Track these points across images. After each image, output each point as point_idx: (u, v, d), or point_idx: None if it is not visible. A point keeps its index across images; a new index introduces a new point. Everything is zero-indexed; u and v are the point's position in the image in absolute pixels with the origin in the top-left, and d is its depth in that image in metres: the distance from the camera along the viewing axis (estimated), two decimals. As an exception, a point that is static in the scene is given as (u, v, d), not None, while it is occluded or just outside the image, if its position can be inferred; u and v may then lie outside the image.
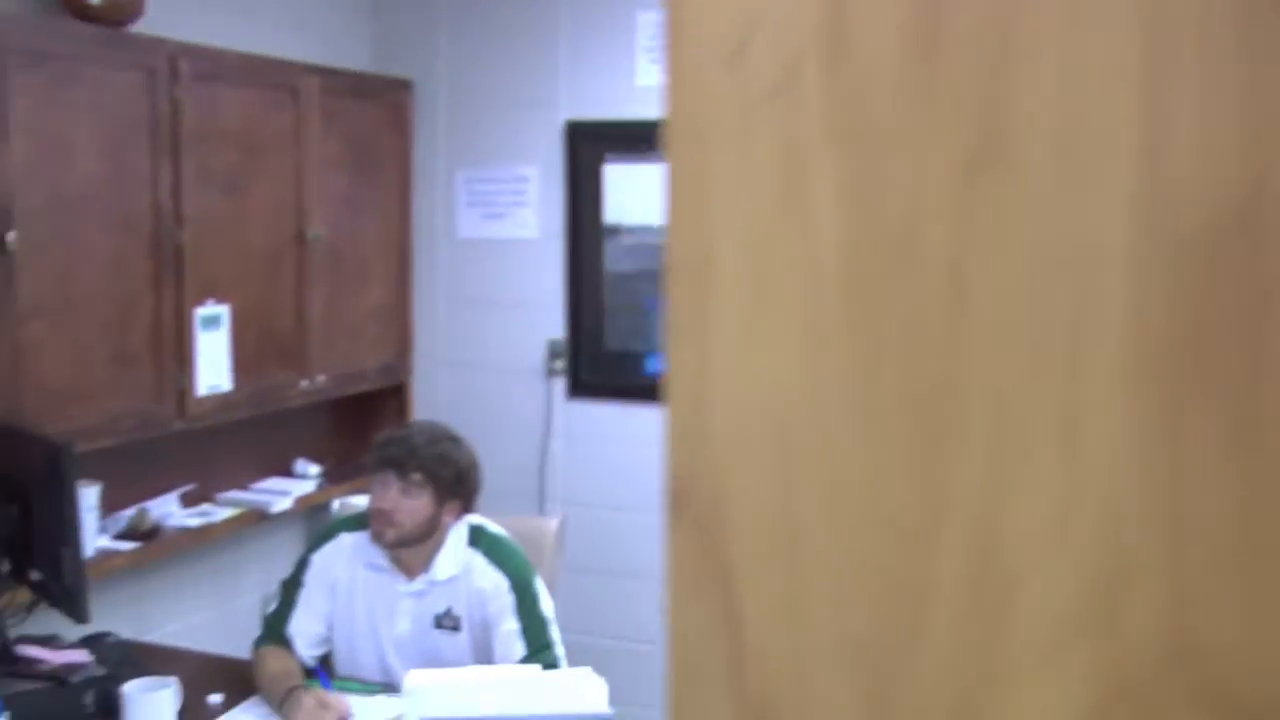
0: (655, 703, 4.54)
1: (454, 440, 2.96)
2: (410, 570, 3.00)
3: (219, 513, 3.85)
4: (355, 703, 2.87)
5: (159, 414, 3.46)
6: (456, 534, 3.01)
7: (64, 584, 2.64)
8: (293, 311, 3.98)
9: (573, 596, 4.52)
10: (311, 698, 2.66)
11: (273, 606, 3.06)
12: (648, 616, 4.51)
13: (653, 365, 4.50)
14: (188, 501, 3.83)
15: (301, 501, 4.10)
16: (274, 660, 2.92)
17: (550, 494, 4.59)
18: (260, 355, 3.85)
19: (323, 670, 2.75)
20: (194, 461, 3.90)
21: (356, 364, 4.32)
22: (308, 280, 4.02)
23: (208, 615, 3.94)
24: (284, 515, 4.02)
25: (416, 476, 2.87)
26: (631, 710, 4.63)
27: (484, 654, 3.01)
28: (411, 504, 2.89)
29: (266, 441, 4.23)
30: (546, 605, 3.02)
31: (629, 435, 4.49)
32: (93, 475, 3.40)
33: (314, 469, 4.29)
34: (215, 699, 2.88)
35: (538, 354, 4.58)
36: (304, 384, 4.02)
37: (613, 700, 4.67)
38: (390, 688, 2.99)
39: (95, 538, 3.47)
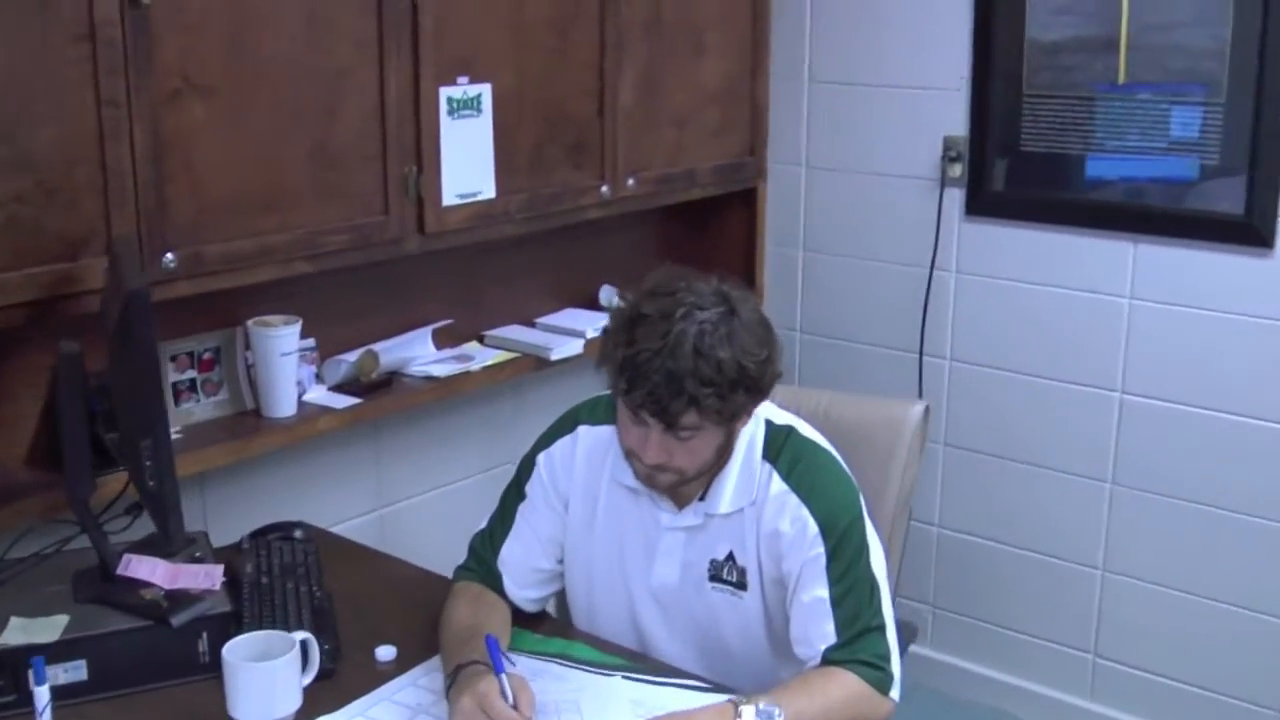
0: (1057, 631, 3.40)
1: (737, 326, 1.80)
2: (680, 495, 1.99)
3: (480, 358, 2.95)
4: (582, 683, 1.93)
5: (385, 229, 2.56)
6: (747, 440, 1.96)
7: (145, 489, 1.81)
8: (590, 92, 2.97)
9: (949, 477, 3.43)
10: (472, 698, 1.73)
11: (484, 524, 2.14)
12: (1040, 511, 3.34)
13: (1095, 169, 3.21)
14: (443, 342, 2.96)
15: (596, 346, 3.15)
16: (464, 607, 2.00)
17: (932, 345, 3.43)
18: (540, 152, 2.88)
19: (496, 647, 1.79)
20: (451, 292, 3.01)
21: (684, 162, 3.28)
22: (614, 50, 2.98)
23: (457, 495, 3.10)
24: (573, 363, 3.08)
25: (691, 419, 1.81)
26: (1010, 636, 3.59)
27: (779, 626, 1.99)
28: (689, 448, 1.85)
29: (559, 265, 3.29)
30: (877, 561, 1.94)
31: (1049, 271, 3.25)
32: (291, 309, 2.58)
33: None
34: (385, 654, 2.01)
35: (928, 155, 3.38)
36: (604, 190, 3.03)
37: (995, 616, 3.60)
38: (639, 659, 2.02)
39: (309, 387, 2.66)
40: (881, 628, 1.88)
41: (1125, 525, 3.23)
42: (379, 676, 1.95)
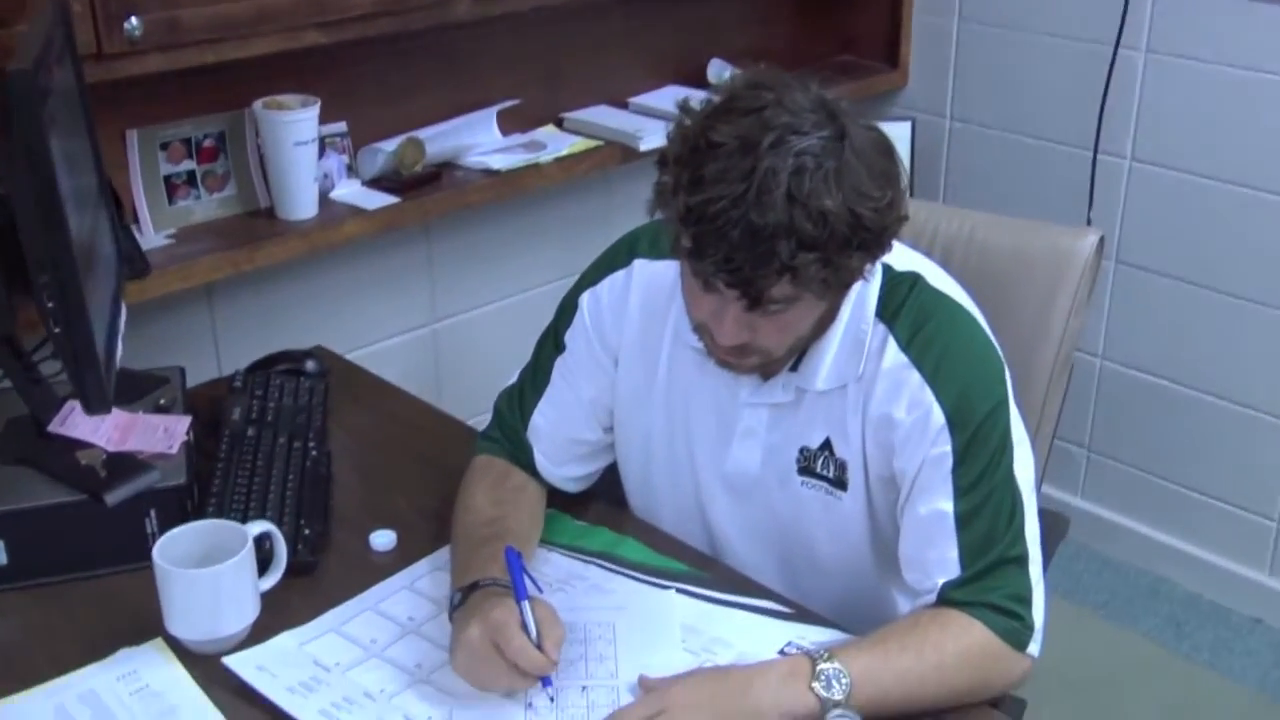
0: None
1: (849, 157, 1.25)
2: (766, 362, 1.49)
3: (554, 146, 2.45)
4: (626, 597, 1.50)
5: (425, -11, 2.06)
6: (856, 293, 1.45)
7: (56, 340, 1.38)
8: None
9: (1119, 302, 2.89)
10: (482, 625, 1.31)
11: (513, 379, 1.68)
12: (1228, 350, 2.77)
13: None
14: (511, 127, 2.46)
15: (699, 131, 2.62)
16: (485, 493, 1.56)
17: (1110, 141, 2.82)
18: (631, -110, 2.32)
19: (518, 565, 1.36)
20: (521, 65, 2.49)
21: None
22: None
23: (527, 306, 2.62)
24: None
25: (783, 290, 1.29)
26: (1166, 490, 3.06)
27: (886, 536, 1.51)
28: (779, 322, 1.35)
29: (658, 33, 2.73)
30: (1022, 466, 1.43)
31: (1264, 51, 2.59)
32: (318, 86, 2.11)
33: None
34: (382, 542, 1.59)
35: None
36: (713, -60, 2.46)
37: (1162, 468, 3.06)
38: (704, 565, 1.58)
39: (339, 182, 2.21)
40: (1022, 559, 1.40)
41: (1335, 373, 2.66)
42: (371, 572, 1.54)
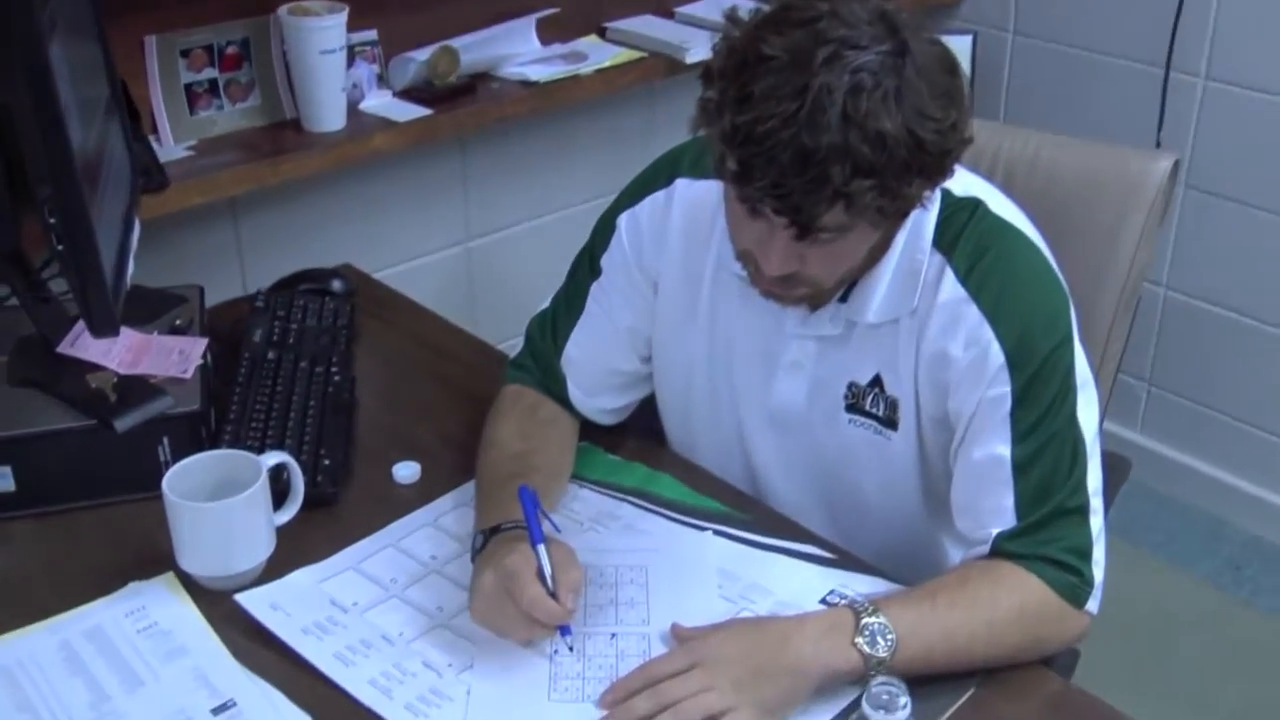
0: None
1: (910, 75, 1.14)
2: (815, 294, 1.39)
3: (596, 57, 2.34)
4: (660, 538, 1.42)
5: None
6: (912, 221, 1.34)
7: (55, 252, 1.30)
8: None
9: (1186, 228, 2.76)
10: (496, 573, 1.23)
11: (546, 303, 1.59)
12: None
13: None
14: (550, 36, 2.35)
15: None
16: (513, 427, 1.48)
17: (1183, 58, 2.67)
18: None
19: (533, 506, 1.27)
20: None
21: None
22: None
23: (564, 224, 2.52)
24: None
25: (836, 218, 1.18)
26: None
27: (938, 479, 1.42)
28: (830, 251, 1.24)
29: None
30: (1085, 409, 1.33)
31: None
32: (335, -7, 2.01)
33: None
34: (406, 474, 1.52)
35: None
36: None
37: (1228, 405, 2.93)
38: (744, 506, 1.49)
39: (368, 93, 2.11)
40: (1082, 509, 1.30)
41: None
42: (393, 506, 1.46)
